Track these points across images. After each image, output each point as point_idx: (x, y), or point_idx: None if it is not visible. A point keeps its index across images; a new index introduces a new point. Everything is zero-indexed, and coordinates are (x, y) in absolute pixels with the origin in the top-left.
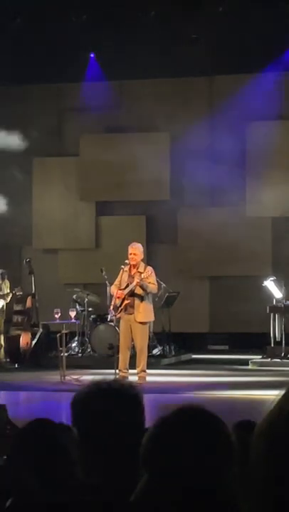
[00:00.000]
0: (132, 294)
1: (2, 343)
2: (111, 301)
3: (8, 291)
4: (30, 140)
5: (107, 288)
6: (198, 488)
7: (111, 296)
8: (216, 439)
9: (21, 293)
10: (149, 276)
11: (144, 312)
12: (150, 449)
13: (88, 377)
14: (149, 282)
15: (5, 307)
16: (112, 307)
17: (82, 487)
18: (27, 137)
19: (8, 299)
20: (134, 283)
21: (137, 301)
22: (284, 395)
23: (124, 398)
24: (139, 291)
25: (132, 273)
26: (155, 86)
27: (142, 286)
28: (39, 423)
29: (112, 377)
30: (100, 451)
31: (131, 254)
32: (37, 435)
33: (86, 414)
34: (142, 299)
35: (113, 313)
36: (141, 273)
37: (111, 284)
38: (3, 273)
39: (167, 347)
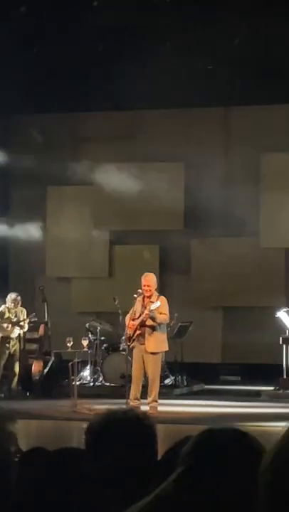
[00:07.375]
0: (143, 325)
1: (16, 371)
2: (125, 331)
3: (25, 317)
4: (45, 168)
5: (120, 317)
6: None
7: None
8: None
9: (36, 319)
10: (160, 307)
11: (156, 342)
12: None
13: (100, 406)
14: (161, 313)
15: (22, 335)
16: (125, 336)
17: None
18: (41, 165)
19: (26, 327)
20: (144, 315)
21: (148, 332)
22: None
23: (138, 429)
24: (149, 322)
25: (145, 303)
26: (170, 116)
27: (151, 318)
28: (66, 452)
29: (125, 406)
30: (112, 480)
31: (145, 286)
32: (64, 464)
33: (100, 442)
34: (153, 329)
35: (127, 342)
36: (152, 303)
37: (124, 313)
38: (17, 298)
39: (179, 377)
